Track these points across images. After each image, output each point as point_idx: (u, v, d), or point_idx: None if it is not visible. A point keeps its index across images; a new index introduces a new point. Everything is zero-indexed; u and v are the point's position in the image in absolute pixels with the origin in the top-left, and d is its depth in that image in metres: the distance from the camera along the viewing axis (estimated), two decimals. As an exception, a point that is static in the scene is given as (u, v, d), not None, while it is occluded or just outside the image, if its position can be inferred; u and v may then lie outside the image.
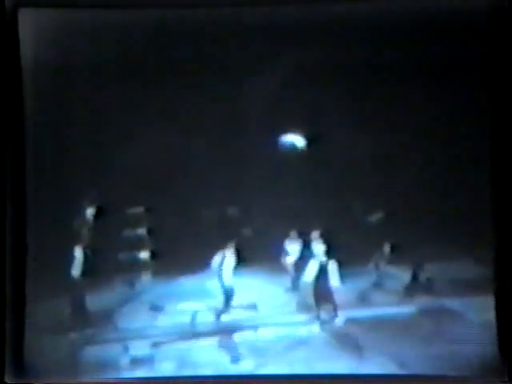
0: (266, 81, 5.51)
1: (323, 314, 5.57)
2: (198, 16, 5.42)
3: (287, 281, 5.70)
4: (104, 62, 5.51)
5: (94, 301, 5.57)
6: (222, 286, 5.66)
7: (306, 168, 5.63)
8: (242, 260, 5.61)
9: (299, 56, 5.45)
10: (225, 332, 5.56)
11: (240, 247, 5.62)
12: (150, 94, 5.53)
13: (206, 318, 5.63)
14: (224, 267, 5.63)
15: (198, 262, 5.61)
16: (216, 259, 5.62)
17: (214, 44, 5.45)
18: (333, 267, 5.57)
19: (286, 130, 5.60)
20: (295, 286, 5.69)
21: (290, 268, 5.69)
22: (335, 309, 5.56)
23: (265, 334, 5.53)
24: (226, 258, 5.63)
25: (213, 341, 5.50)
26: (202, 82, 5.51)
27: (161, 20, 5.43)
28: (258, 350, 5.45)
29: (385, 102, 5.45)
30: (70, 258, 5.55)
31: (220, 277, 5.65)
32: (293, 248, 5.69)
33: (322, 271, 5.59)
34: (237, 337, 5.53)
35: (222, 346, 5.49)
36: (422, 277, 5.57)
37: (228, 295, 5.64)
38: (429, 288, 5.53)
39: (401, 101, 5.45)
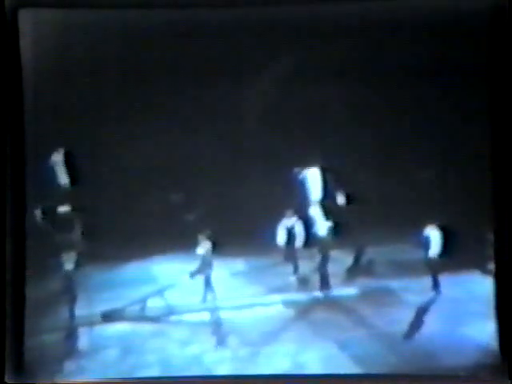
0: (266, 81, 5.53)
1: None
2: (198, 16, 5.44)
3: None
4: (104, 62, 5.53)
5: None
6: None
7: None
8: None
9: (299, 56, 5.47)
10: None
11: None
12: (149, 94, 5.55)
13: (155, 305, 5.58)
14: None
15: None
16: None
17: (215, 44, 5.46)
18: None
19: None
20: None
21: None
22: None
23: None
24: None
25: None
26: (201, 82, 5.52)
27: (161, 20, 5.45)
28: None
29: (384, 101, 5.45)
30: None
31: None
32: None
33: None
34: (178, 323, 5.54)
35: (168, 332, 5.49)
36: (364, 260, 5.55)
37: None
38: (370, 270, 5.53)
39: (400, 101, 5.46)
